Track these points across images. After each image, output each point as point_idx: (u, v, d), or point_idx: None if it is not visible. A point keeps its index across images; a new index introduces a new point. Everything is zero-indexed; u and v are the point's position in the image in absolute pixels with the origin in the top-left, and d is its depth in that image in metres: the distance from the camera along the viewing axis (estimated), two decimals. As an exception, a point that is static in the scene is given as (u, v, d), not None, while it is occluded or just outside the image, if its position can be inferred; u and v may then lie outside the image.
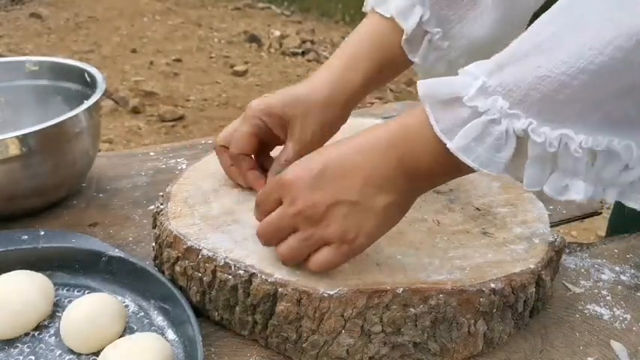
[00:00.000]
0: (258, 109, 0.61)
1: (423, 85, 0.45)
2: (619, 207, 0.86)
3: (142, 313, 0.56)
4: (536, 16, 0.47)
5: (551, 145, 0.41)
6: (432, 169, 0.47)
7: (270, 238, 0.51)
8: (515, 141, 0.42)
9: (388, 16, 0.62)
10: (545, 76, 0.40)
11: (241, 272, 0.51)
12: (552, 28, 0.41)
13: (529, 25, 0.45)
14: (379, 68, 0.63)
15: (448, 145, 0.43)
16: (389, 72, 0.65)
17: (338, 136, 0.61)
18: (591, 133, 0.40)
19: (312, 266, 0.49)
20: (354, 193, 0.47)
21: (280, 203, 0.50)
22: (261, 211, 0.52)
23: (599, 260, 0.67)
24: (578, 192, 0.42)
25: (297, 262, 0.51)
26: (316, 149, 0.56)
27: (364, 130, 0.49)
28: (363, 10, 0.66)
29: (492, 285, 0.51)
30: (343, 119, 0.63)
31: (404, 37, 0.62)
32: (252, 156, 0.63)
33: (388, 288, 0.49)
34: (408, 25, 0.61)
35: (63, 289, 0.59)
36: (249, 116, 0.61)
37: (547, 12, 0.43)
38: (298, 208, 0.48)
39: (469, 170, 0.45)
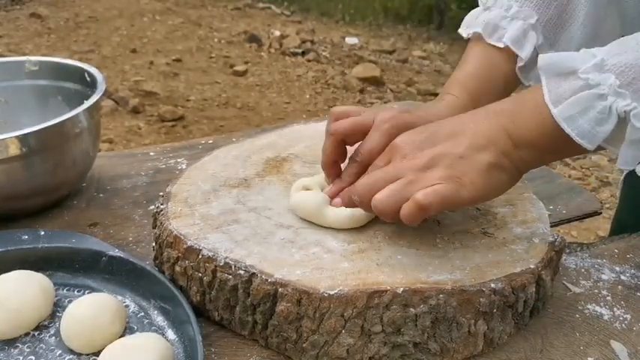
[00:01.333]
0: (400, 125, 0.55)
1: (542, 58, 0.47)
2: (627, 204, 0.86)
3: (142, 313, 0.56)
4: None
5: None
6: (536, 139, 0.48)
7: (368, 192, 0.50)
8: (616, 119, 0.44)
9: (502, 46, 0.64)
10: None
11: (241, 272, 0.51)
12: None
13: None
14: (498, 99, 0.64)
15: (552, 112, 0.45)
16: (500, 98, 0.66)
17: None
18: None
19: (419, 196, 0.47)
20: (461, 148, 0.49)
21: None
22: (364, 165, 0.54)
23: (599, 260, 0.67)
24: None
25: (391, 209, 0.49)
26: None
27: (486, 106, 0.52)
28: (461, 33, 0.67)
29: (492, 285, 0.51)
30: None
31: (520, 64, 0.64)
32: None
33: (388, 288, 0.49)
34: (525, 52, 0.63)
35: (63, 289, 0.59)
36: (387, 130, 0.55)
37: None
38: (406, 160, 0.49)
39: (574, 148, 0.46)
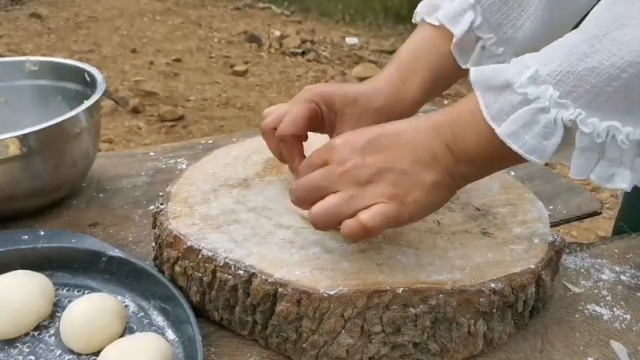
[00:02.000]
0: (317, 94, 0.60)
1: (475, 72, 0.46)
2: (630, 205, 0.86)
3: (142, 313, 0.56)
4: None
5: (599, 136, 0.42)
6: (479, 155, 0.47)
7: (305, 197, 0.49)
8: (562, 130, 0.43)
9: (437, 24, 0.62)
10: (594, 68, 0.41)
11: (241, 272, 0.51)
12: (602, 22, 0.42)
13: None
14: (434, 79, 0.63)
15: (496, 131, 0.44)
16: (443, 82, 0.65)
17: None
18: (638, 126, 0.41)
19: (365, 218, 0.46)
20: (405, 163, 0.47)
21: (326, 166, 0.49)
22: (304, 174, 0.50)
23: (599, 260, 0.67)
24: (623, 180, 0.44)
25: (330, 224, 0.48)
26: None
27: (426, 114, 0.51)
28: (413, 21, 0.67)
29: (492, 285, 0.51)
30: None
31: (453, 41, 0.62)
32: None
33: (388, 288, 0.49)
34: (458, 30, 0.62)
35: (63, 289, 0.59)
36: (306, 99, 0.59)
37: (596, 6, 0.44)
38: (346, 168, 0.47)
39: (515, 160, 0.45)
